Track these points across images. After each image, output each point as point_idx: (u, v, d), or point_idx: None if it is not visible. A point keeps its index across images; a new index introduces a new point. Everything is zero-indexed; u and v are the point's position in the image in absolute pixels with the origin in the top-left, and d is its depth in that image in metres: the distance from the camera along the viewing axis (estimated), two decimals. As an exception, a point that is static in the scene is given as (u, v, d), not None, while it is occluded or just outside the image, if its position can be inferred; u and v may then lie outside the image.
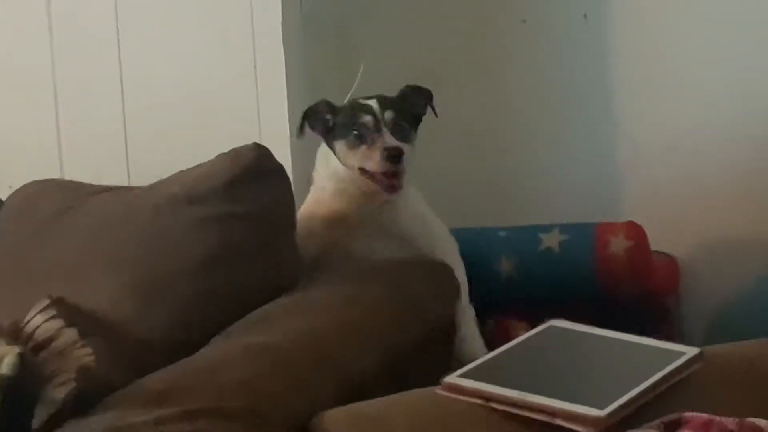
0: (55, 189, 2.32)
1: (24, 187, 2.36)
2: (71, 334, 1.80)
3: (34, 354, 1.74)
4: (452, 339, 2.24)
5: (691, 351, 1.72)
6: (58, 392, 1.66)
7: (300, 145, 2.46)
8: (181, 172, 2.14)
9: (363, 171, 2.27)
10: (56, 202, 2.23)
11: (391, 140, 2.24)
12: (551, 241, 2.52)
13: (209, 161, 2.11)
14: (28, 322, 1.84)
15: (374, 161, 2.24)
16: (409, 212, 2.33)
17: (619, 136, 2.90)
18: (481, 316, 2.41)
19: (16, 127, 2.78)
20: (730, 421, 1.56)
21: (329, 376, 1.81)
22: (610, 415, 1.58)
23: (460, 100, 2.90)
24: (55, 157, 2.74)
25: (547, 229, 2.54)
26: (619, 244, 2.47)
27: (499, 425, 1.65)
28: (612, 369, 1.77)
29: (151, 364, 1.77)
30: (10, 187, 2.39)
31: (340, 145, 2.29)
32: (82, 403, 1.65)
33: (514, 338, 1.84)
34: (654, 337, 1.80)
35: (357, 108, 2.30)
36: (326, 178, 2.33)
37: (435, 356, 2.13)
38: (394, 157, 2.23)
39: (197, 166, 2.12)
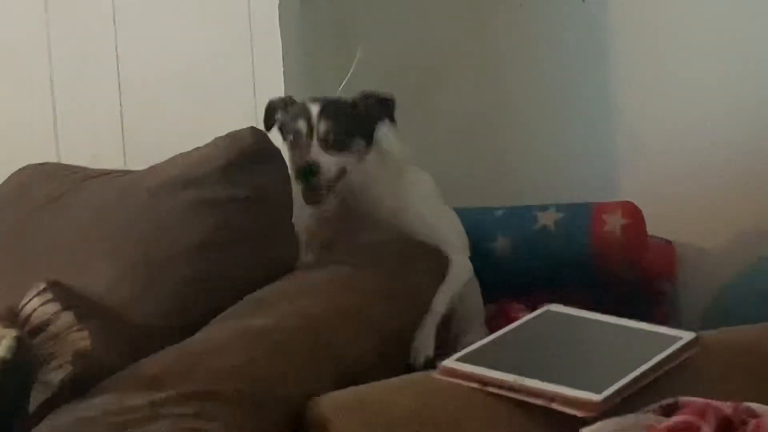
0: (51, 173, 2.31)
1: (19, 171, 2.35)
2: (68, 317, 1.80)
3: (30, 337, 1.73)
4: (448, 326, 2.24)
5: (687, 336, 1.73)
6: (55, 375, 1.67)
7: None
8: (178, 155, 2.13)
9: None
10: (52, 186, 2.23)
11: (316, 153, 2.15)
12: (547, 219, 2.52)
13: (206, 145, 2.10)
14: (25, 305, 1.84)
15: (294, 171, 2.16)
16: (409, 206, 2.29)
17: (618, 121, 2.89)
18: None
19: (11, 111, 2.77)
20: (726, 406, 1.57)
21: (325, 361, 1.81)
22: (606, 399, 1.58)
23: (458, 84, 2.89)
24: (51, 141, 2.73)
25: (543, 208, 2.54)
26: (615, 222, 2.47)
27: (495, 409, 1.65)
28: (609, 353, 1.77)
29: (148, 348, 1.76)
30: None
31: (285, 144, 2.23)
32: (78, 387, 1.65)
33: (514, 321, 1.85)
34: (649, 320, 1.80)
35: (297, 112, 2.21)
36: None
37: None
38: (307, 173, 2.14)
39: (194, 149, 2.11)
